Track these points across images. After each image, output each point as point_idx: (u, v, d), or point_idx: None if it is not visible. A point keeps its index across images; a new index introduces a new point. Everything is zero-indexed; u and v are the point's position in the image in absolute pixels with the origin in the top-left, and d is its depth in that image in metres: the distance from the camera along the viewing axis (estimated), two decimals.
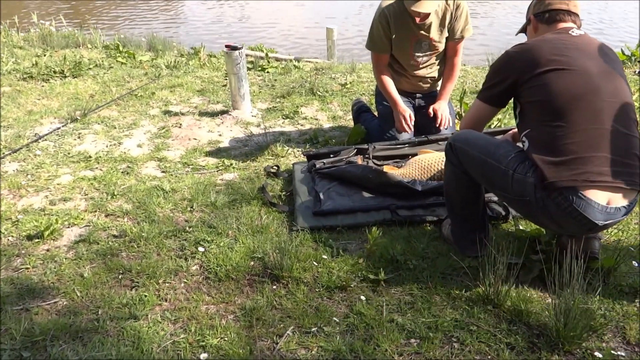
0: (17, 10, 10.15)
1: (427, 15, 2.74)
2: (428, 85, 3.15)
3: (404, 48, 2.92)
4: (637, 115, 1.86)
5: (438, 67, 3.09)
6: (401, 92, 3.04)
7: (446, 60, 3.06)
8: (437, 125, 2.97)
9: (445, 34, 2.91)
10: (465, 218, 2.13)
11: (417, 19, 2.79)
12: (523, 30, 2.19)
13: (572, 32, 1.92)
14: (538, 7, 2.04)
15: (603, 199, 1.70)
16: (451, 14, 2.86)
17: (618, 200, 1.72)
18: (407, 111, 2.94)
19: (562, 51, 1.83)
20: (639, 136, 1.79)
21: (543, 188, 1.73)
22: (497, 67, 1.97)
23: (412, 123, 2.98)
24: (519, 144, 1.96)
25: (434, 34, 2.88)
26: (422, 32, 2.86)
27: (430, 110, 2.99)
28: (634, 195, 1.76)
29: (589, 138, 1.72)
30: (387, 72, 3.02)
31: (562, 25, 1.98)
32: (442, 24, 2.88)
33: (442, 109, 2.98)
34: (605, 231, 2.23)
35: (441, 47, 2.97)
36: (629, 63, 4.98)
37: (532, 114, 1.85)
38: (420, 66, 3.03)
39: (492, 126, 3.39)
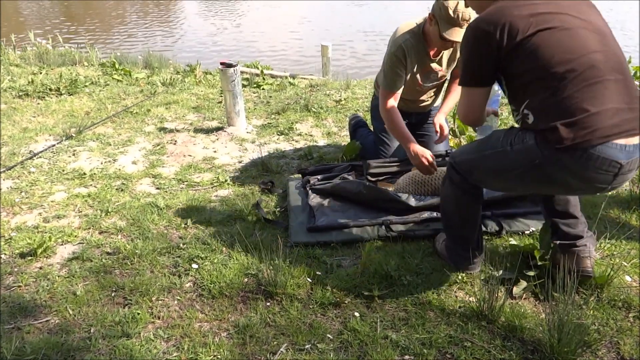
0: (14, 28, 10.21)
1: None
2: (423, 108, 3.15)
3: (414, 79, 2.87)
4: None
5: (438, 91, 3.09)
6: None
7: (451, 79, 3.03)
8: (439, 137, 2.90)
9: (453, 65, 2.91)
10: (461, 236, 2.12)
11: (432, 52, 2.76)
12: None
13: None
14: None
15: (620, 142, 1.63)
16: (454, 45, 2.84)
17: (633, 141, 1.64)
18: (427, 151, 2.66)
19: (535, 9, 1.70)
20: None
21: (551, 148, 1.65)
22: (472, 47, 1.79)
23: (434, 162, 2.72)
24: (517, 120, 1.82)
25: (445, 66, 2.88)
26: (435, 64, 2.85)
27: (436, 121, 2.92)
28: None
29: (594, 93, 1.64)
30: (397, 109, 2.79)
31: None
32: (452, 57, 2.87)
33: (444, 122, 2.93)
34: (597, 246, 2.24)
35: (446, 77, 2.98)
36: None
37: (527, 83, 1.72)
38: (424, 93, 3.03)
39: None
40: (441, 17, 2.50)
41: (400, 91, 2.79)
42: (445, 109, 2.98)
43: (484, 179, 1.95)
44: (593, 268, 1.99)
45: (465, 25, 2.49)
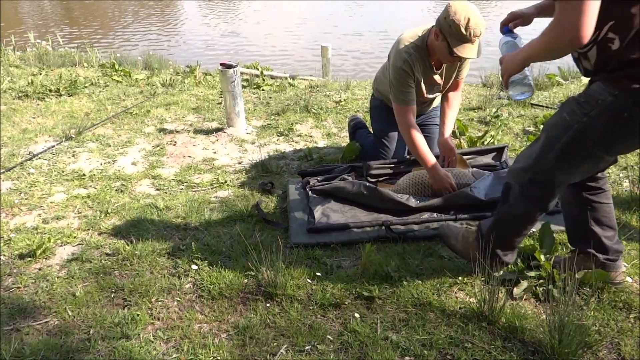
0: (13, 29, 10.22)
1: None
2: (423, 110, 3.14)
3: (420, 91, 2.86)
4: None
5: (438, 99, 3.10)
6: None
7: (448, 90, 3.02)
8: (451, 162, 2.87)
9: (453, 76, 2.90)
10: (515, 243, 1.98)
11: (433, 62, 2.76)
12: None
13: None
14: None
15: None
16: (462, 60, 2.84)
17: None
18: (450, 176, 2.67)
19: None
20: None
21: (634, 92, 1.50)
22: None
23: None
24: (587, 47, 1.58)
25: (446, 78, 2.87)
26: (437, 76, 2.84)
27: (450, 144, 2.88)
28: None
29: None
30: (418, 129, 2.77)
31: None
32: (452, 68, 2.86)
33: (452, 143, 2.90)
34: None
35: (447, 86, 2.97)
36: None
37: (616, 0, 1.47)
38: (426, 102, 3.03)
39: (486, 143, 3.41)
40: (451, 34, 2.45)
41: (415, 105, 2.76)
42: (450, 127, 2.94)
43: (572, 170, 1.74)
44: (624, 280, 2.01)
45: (477, 41, 2.48)
